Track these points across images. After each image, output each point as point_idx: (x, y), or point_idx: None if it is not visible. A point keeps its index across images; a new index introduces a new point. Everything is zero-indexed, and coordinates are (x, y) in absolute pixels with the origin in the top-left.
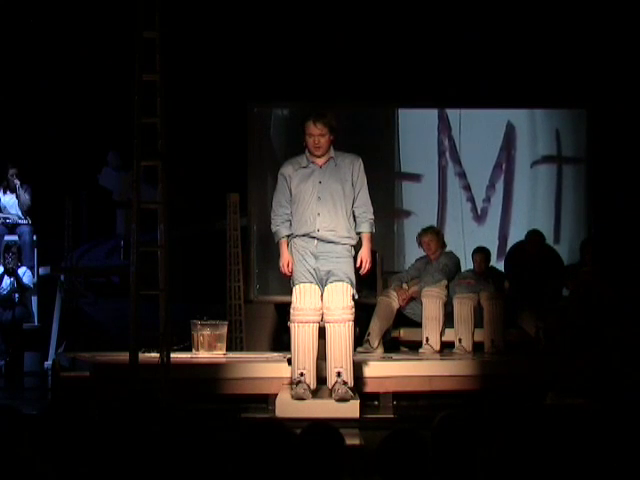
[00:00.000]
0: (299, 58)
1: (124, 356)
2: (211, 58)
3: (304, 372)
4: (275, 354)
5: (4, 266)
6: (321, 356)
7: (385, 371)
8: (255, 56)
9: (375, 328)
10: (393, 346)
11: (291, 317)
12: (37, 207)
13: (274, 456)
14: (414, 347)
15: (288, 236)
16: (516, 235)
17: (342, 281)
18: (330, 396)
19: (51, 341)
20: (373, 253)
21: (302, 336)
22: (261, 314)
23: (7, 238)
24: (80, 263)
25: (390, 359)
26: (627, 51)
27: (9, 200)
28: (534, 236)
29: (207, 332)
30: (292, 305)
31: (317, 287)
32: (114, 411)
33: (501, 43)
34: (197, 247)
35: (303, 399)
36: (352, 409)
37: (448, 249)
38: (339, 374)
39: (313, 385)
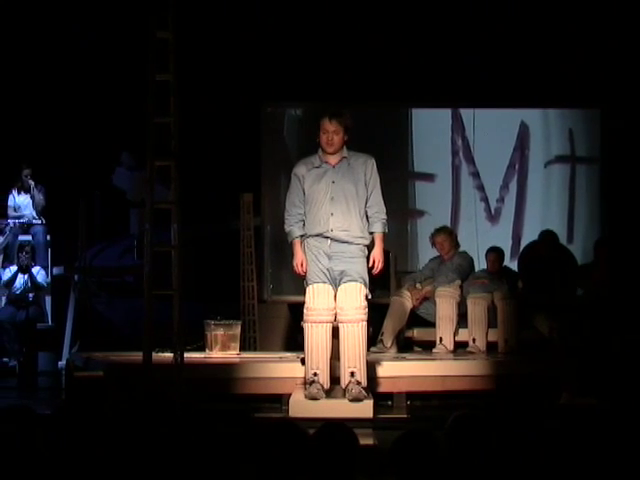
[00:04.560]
0: (312, 58)
1: (138, 356)
2: (224, 58)
3: (318, 372)
4: (289, 354)
5: (18, 266)
6: (335, 356)
7: (398, 371)
8: (268, 56)
9: (388, 328)
10: (406, 346)
11: (304, 317)
12: (51, 207)
13: (288, 456)
14: (428, 347)
15: (302, 236)
16: (529, 235)
17: (355, 281)
18: (344, 396)
19: (65, 341)
20: (386, 253)
21: (315, 336)
22: (274, 314)
23: (21, 238)
24: (94, 263)
25: (403, 359)
26: None
27: (23, 200)
28: (547, 236)
29: (221, 332)
30: (305, 305)
31: (330, 287)
32: (127, 410)
33: (515, 43)
34: (211, 247)
35: (317, 399)
36: (366, 409)
37: (462, 249)
38: (353, 374)
39: (327, 385)
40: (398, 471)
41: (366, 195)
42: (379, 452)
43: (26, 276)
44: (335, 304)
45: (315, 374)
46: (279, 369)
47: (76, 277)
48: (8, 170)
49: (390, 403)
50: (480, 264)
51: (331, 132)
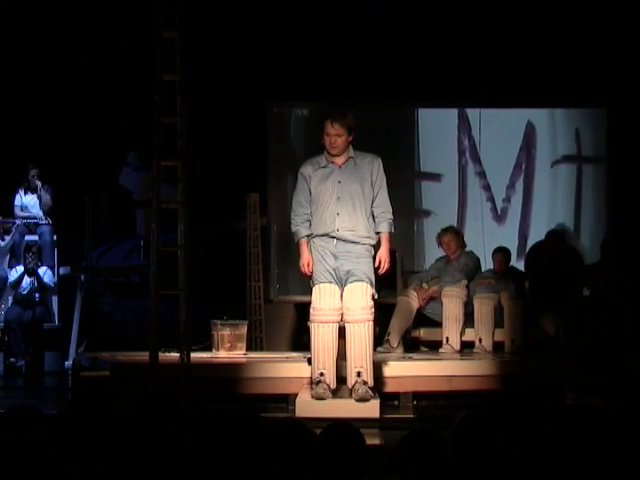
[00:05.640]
0: (319, 58)
1: (144, 356)
2: (231, 58)
3: (324, 372)
4: (295, 354)
5: (25, 266)
6: (341, 356)
7: (405, 371)
8: (275, 56)
9: (395, 328)
10: (413, 346)
11: (311, 317)
12: (57, 207)
13: (294, 456)
14: (434, 347)
15: (308, 236)
16: (536, 235)
17: (362, 281)
18: (350, 396)
19: (71, 341)
20: (393, 253)
21: (322, 336)
22: (281, 314)
23: (28, 238)
24: (100, 263)
25: (410, 359)
26: None
27: (30, 200)
28: (554, 236)
29: (227, 332)
30: (312, 305)
31: (337, 287)
32: (134, 410)
33: (521, 43)
34: (217, 247)
35: (323, 399)
36: (372, 409)
37: (468, 249)
38: (359, 374)
39: (333, 385)
40: (404, 471)
41: (372, 195)
42: (386, 452)
43: (33, 277)
44: (341, 304)
45: (321, 374)
46: (285, 369)
47: (82, 277)
48: (15, 170)
49: (396, 403)
50: (486, 264)
51: (333, 135)
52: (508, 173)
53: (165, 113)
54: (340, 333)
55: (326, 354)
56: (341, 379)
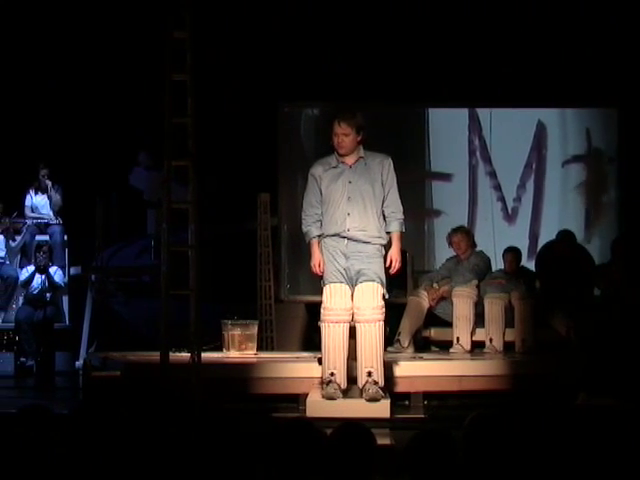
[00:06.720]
0: (329, 58)
1: (155, 356)
2: (241, 58)
3: (335, 372)
4: (306, 354)
5: (35, 265)
6: (352, 356)
7: (416, 371)
8: (285, 56)
9: (405, 328)
10: (424, 346)
11: (322, 317)
12: (68, 207)
13: (305, 456)
14: (445, 347)
15: (319, 236)
16: (547, 235)
17: (372, 281)
18: (361, 396)
19: (82, 341)
20: (403, 253)
21: (333, 336)
22: (292, 314)
23: (38, 238)
24: (111, 263)
25: (420, 359)
26: None
27: (41, 200)
28: (565, 236)
29: (238, 332)
30: (323, 305)
31: (347, 287)
32: (145, 410)
33: (532, 42)
34: (228, 247)
35: (334, 399)
36: (383, 409)
37: (478, 249)
38: (370, 374)
39: (344, 385)
40: (414, 471)
41: (383, 195)
42: (396, 452)
43: (43, 276)
44: (352, 304)
45: (332, 374)
46: (296, 369)
47: (93, 277)
48: (25, 170)
49: (407, 403)
50: (497, 264)
51: (340, 134)
52: (519, 173)
53: (175, 113)
54: (351, 333)
55: (337, 354)
56: (352, 379)
